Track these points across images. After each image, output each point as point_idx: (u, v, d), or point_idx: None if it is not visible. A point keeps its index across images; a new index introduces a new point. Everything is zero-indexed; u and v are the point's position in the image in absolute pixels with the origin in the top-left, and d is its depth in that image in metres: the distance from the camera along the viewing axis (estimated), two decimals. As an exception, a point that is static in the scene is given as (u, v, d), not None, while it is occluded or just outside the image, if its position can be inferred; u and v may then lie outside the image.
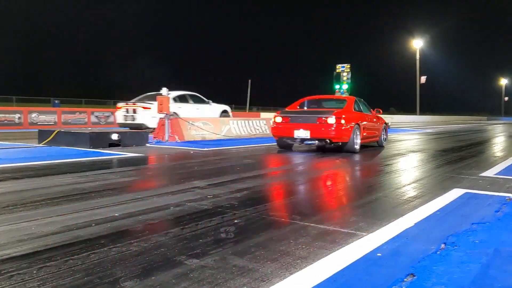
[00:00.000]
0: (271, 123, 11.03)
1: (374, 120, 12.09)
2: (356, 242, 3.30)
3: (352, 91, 23.54)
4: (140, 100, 16.20)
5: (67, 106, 37.11)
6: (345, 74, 22.01)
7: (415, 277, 2.61)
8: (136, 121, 15.26)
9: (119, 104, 16.30)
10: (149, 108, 14.93)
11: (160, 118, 12.52)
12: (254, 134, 15.17)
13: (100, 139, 10.63)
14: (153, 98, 14.61)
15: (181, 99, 16.54)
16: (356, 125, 10.24)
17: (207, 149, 10.52)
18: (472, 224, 3.91)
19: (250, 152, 10.55)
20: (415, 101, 63.13)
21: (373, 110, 12.48)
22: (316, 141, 10.29)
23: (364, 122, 10.91)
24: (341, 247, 3.16)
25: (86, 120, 25.07)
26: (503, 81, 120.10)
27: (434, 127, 34.53)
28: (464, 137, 19.20)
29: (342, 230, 3.65)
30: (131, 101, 16.30)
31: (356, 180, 7.20)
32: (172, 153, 10.09)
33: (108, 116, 26.09)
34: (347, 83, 22.33)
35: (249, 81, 38.67)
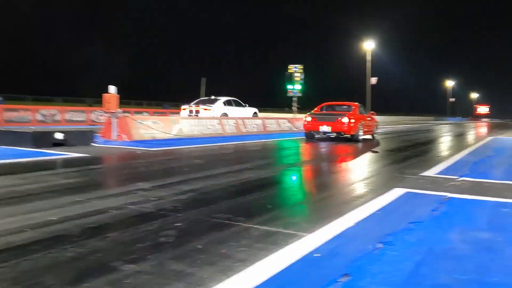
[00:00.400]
0: (303, 121, 15.80)
1: (369, 119, 16.55)
2: (296, 243, 3.33)
3: (305, 91, 23.85)
4: (198, 103, 20.82)
5: (13, 103, 35.30)
6: (298, 74, 22.21)
7: (350, 277, 2.65)
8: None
9: (183, 106, 20.89)
10: (210, 110, 19.42)
11: (107, 116, 12.17)
12: (207, 134, 15.05)
13: (43, 139, 10.18)
14: (208, 102, 20.57)
15: (228, 103, 21.08)
16: (360, 123, 14.88)
17: (156, 149, 10.29)
18: (410, 223, 4.04)
19: (200, 152, 10.45)
20: (366, 100, 64.89)
21: (369, 112, 17.13)
22: (335, 134, 14.66)
23: (364, 122, 15.48)
24: (281, 249, 3.17)
25: (30, 118, 23.91)
26: (449, 83, 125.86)
27: (384, 127, 35.62)
28: (411, 137, 19.98)
29: (284, 231, 3.67)
30: (191, 104, 20.83)
31: (305, 179, 7.30)
32: (119, 153, 9.84)
33: (54, 114, 24.93)
34: (300, 83, 22.53)
35: (203, 79, 38.40)
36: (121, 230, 3.62)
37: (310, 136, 15.45)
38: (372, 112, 17.75)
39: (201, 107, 20.16)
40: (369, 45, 62.73)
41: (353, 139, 14.66)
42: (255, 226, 3.79)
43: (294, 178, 7.25)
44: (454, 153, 11.76)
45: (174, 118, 14.73)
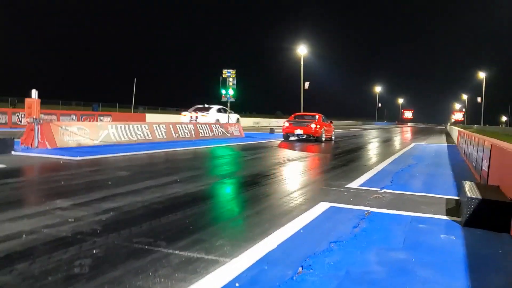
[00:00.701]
0: (283, 125, 20.75)
1: (329, 126, 21.57)
2: (217, 271, 3.27)
3: (238, 96, 23.88)
4: (196, 110, 25.27)
5: None
6: (231, 79, 22.15)
7: (266, 310, 2.64)
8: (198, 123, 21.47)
9: (184, 113, 25.46)
10: (206, 116, 24.36)
11: (28, 122, 11.41)
12: (136, 140, 14.58)
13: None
14: (204, 109, 25.38)
15: (218, 110, 26.18)
16: (323, 128, 19.99)
17: (80, 158, 9.75)
18: (331, 242, 4.13)
19: (127, 162, 10.09)
20: (300, 104, 66.41)
21: (329, 121, 22.19)
22: (305, 136, 19.64)
23: (325, 127, 20.55)
24: (201, 279, 3.10)
25: None
26: (378, 89, 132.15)
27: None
28: (342, 143, 20.67)
29: (206, 257, 3.60)
30: (189, 110, 25.40)
31: (234, 194, 7.27)
32: (39, 163, 9.22)
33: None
34: (232, 88, 22.48)
35: (134, 79, 37.34)
36: (31, 260, 3.36)
37: (287, 137, 20.58)
38: (331, 121, 22.64)
39: (199, 113, 24.83)
40: (302, 51, 64.45)
41: (318, 140, 19.78)
42: (176, 252, 3.69)
43: (222, 192, 7.16)
44: (378, 162, 12.31)
45: (101, 124, 14.10)
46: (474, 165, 10.17)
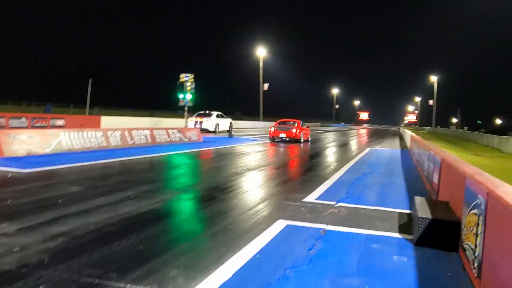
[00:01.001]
0: (269, 130, 25.20)
1: (306, 130, 26.04)
2: (170, 308, 3.19)
3: (197, 100, 23.65)
4: (201, 116, 30.90)
5: None
6: (189, 84, 21.85)
7: None
8: (203, 126, 28.85)
9: (191, 118, 29.20)
10: (208, 120, 30.29)
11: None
12: (90, 147, 14.12)
13: None
14: (207, 115, 30.98)
15: (217, 116, 31.92)
16: (301, 132, 24.35)
17: (29, 170, 9.29)
18: (287, 269, 4.13)
19: (79, 174, 9.72)
20: (259, 106, 66.71)
21: (306, 126, 26.58)
22: (288, 138, 23.87)
23: (303, 131, 24.95)
24: (152, 319, 3.00)
25: None
26: (335, 91, 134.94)
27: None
28: (298, 149, 20.83)
29: (159, 291, 3.50)
30: (194, 115, 30.61)
31: (189, 212, 7.16)
32: (-16, 177, 8.73)
33: None
34: (191, 92, 22.17)
35: (90, 80, 36.26)
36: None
37: (273, 139, 24.92)
38: (308, 125, 27.52)
39: (204, 119, 30.79)
40: (261, 52, 64.83)
41: (298, 141, 24.32)
42: (128, 286, 3.56)
43: (178, 211, 6.97)
44: (335, 171, 12.51)
45: (53, 132, 13.52)
46: (426, 175, 10.52)
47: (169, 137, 19.34)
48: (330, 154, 19.09)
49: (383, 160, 16.68)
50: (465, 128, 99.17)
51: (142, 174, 10.08)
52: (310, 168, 12.91)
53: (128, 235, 5.04)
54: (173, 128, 20.22)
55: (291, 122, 25.39)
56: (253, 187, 9.03)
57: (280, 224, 5.88)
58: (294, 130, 24.04)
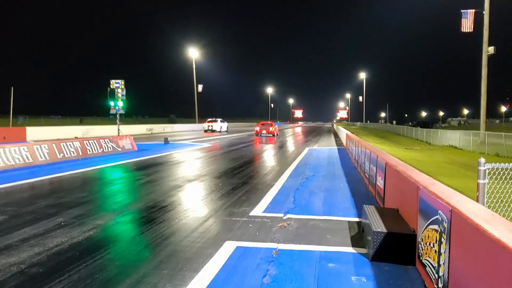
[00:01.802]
0: (256, 129, 40.75)
1: (276, 127, 40.96)
2: None
3: (129, 107, 22.55)
4: (211, 121, 47.47)
5: None
6: (119, 90, 20.65)
7: None
8: (213, 128, 45.73)
9: (205, 123, 47.35)
10: (216, 124, 46.55)
11: None
12: (13, 165, 12.82)
13: None
14: (214, 121, 47.84)
15: (221, 121, 48.92)
16: (275, 129, 40.18)
17: None
18: (242, 306, 3.71)
19: (2, 197, 8.67)
20: (194, 107, 65.75)
21: (277, 124, 55.16)
22: (267, 134, 39.05)
23: (275, 128, 40.33)
24: None
25: None
26: (269, 90, 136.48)
27: (211, 138, 36.25)
28: (236, 153, 20.31)
29: None
30: (207, 121, 47.73)
31: (126, 240, 6.52)
32: None
33: None
34: (122, 100, 20.98)
35: (12, 88, 33.71)
36: None
37: (259, 134, 38.65)
38: (277, 124, 47.40)
39: (213, 123, 46.36)
40: (193, 54, 63.85)
41: (274, 135, 38.35)
42: None
43: (113, 240, 6.14)
44: (278, 175, 12.28)
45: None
46: (368, 177, 10.54)
47: (101, 147, 18.22)
48: (271, 157, 18.88)
49: (323, 161, 16.74)
50: (394, 122, 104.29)
51: (73, 194, 9.18)
52: (252, 174, 12.55)
53: (58, 277, 4.38)
54: (105, 138, 19.07)
55: (269, 123, 41.68)
56: (195, 203, 8.48)
57: (228, 247, 5.45)
58: (271, 128, 39.78)
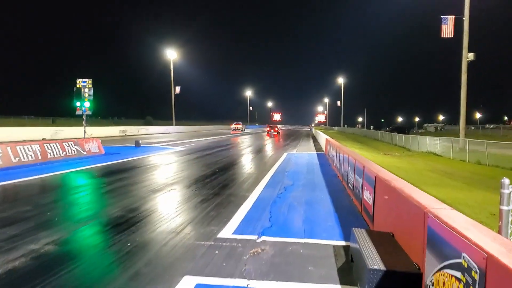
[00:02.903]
0: (266, 129, 59.34)
1: (279, 129, 65.43)
2: None
3: (96, 107, 21.13)
4: (236, 124, 72.31)
5: None
6: (86, 90, 19.16)
7: None
8: (238, 128, 70.66)
9: (233, 125, 72.21)
10: (240, 124, 72.14)
11: None
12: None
13: None
14: (238, 124, 72.57)
15: (243, 124, 77.13)
16: (278, 130, 61.10)
17: None
18: None
19: None
20: (172, 109, 64.23)
21: (279, 127, 78.40)
22: (275, 132, 55.63)
23: (279, 130, 61.95)
24: None
25: None
26: (248, 93, 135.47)
27: (186, 141, 34.96)
28: (211, 159, 19.06)
29: None
30: (234, 123, 72.93)
31: (75, 273, 5.32)
32: None
33: None
34: (89, 100, 19.50)
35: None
36: None
37: (270, 134, 54.21)
38: (280, 127, 79.26)
39: (239, 125, 71.09)
40: (171, 55, 62.33)
41: (278, 134, 55.90)
42: None
43: (64, 270, 5.02)
44: (254, 185, 11.21)
45: None
46: (352, 188, 9.58)
47: (64, 151, 16.78)
48: (248, 163, 17.73)
49: (302, 168, 15.72)
50: (372, 127, 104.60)
51: (27, 204, 7.90)
52: (226, 183, 11.42)
53: None
54: (68, 140, 17.62)
55: (275, 125, 60.29)
56: (154, 221, 7.23)
57: (186, 285, 4.33)
58: (277, 129, 56.91)
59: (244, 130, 73.53)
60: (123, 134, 44.71)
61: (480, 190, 13.43)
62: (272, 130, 55.59)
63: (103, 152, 19.43)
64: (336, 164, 14.94)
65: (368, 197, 7.22)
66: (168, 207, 8.25)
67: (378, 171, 6.91)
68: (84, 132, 21.05)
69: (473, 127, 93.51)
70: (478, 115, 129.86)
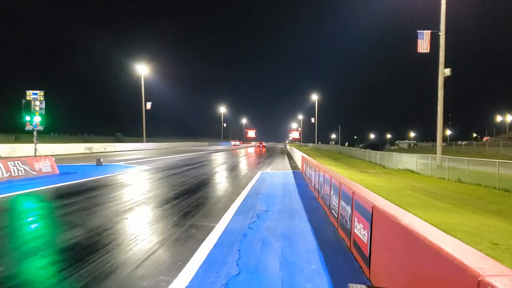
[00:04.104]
0: (257, 146, 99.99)
1: (263, 145, 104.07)
2: None
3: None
4: (260, 142, 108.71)
5: None
6: (38, 103, 17.20)
7: None
8: (262, 145, 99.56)
9: (257, 143, 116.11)
10: (237, 141, 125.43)
11: None
12: None
13: None
14: (261, 142, 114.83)
15: (264, 142, 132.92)
16: (264, 145, 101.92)
17: None
18: None
19: None
20: (142, 126, 62.11)
21: (263, 143, 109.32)
22: (263, 147, 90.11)
23: (264, 145, 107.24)
24: None
25: None
26: (222, 110, 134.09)
27: (154, 158, 33.08)
28: (177, 179, 17.17)
29: None
30: (258, 142, 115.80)
31: None
32: None
33: None
34: (40, 114, 17.54)
35: None
36: None
37: (260, 149, 76.13)
38: (264, 143, 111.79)
39: (261, 144, 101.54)
40: (142, 70, 60.53)
41: (264, 148, 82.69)
42: None
43: None
44: (223, 211, 9.65)
45: None
46: (336, 215, 8.12)
47: (8, 171, 14.78)
48: (218, 184, 16.06)
49: (278, 189, 14.19)
50: (346, 144, 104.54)
51: None
52: (189, 210, 9.78)
53: None
54: (14, 159, 15.60)
55: (262, 142, 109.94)
56: (85, 273, 5.62)
57: None
58: (264, 144, 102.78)
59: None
60: (89, 152, 42.36)
61: (469, 212, 12.26)
62: (261, 145, 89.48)
63: (57, 172, 17.46)
64: (314, 184, 13.52)
65: (361, 232, 5.75)
66: (129, 237, 6.57)
67: (374, 200, 5.45)
68: (35, 149, 18.91)
69: (444, 144, 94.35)
70: (448, 132, 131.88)
